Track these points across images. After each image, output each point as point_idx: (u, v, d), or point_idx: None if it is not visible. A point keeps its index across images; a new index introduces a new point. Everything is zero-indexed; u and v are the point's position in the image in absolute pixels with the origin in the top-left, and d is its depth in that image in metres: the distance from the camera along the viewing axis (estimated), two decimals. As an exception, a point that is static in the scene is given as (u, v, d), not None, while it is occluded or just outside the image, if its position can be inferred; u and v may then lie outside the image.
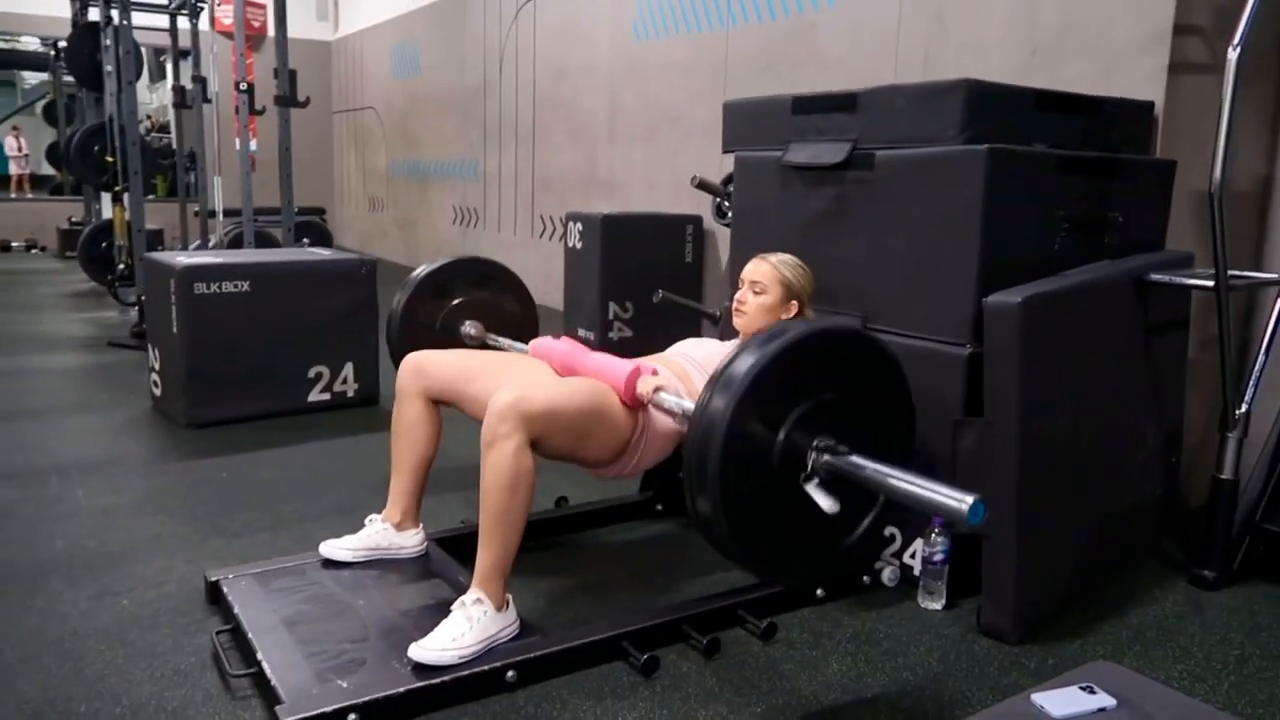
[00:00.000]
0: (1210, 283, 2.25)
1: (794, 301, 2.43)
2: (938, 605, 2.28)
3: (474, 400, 2.24)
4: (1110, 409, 2.36)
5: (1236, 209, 2.68)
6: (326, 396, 3.90)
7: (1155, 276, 2.32)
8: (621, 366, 2.14)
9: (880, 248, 2.44)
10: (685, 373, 2.31)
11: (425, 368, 2.29)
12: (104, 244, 6.42)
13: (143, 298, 5.20)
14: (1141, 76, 2.64)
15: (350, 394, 3.96)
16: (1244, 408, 2.39)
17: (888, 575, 2.36)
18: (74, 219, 9.37)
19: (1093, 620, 2.24)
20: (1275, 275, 2.32)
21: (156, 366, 3.82)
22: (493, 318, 2.92)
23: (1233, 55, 2.03)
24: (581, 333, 5.38)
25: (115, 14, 5.28)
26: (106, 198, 6.84)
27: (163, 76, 11.14)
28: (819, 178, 2.58)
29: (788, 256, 2.47)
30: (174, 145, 8.07)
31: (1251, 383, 2.40)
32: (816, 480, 1.69)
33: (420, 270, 2.86)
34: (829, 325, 1.73)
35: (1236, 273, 2.28)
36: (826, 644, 2.09)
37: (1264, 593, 2.41)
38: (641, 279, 5.20)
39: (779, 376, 1.66)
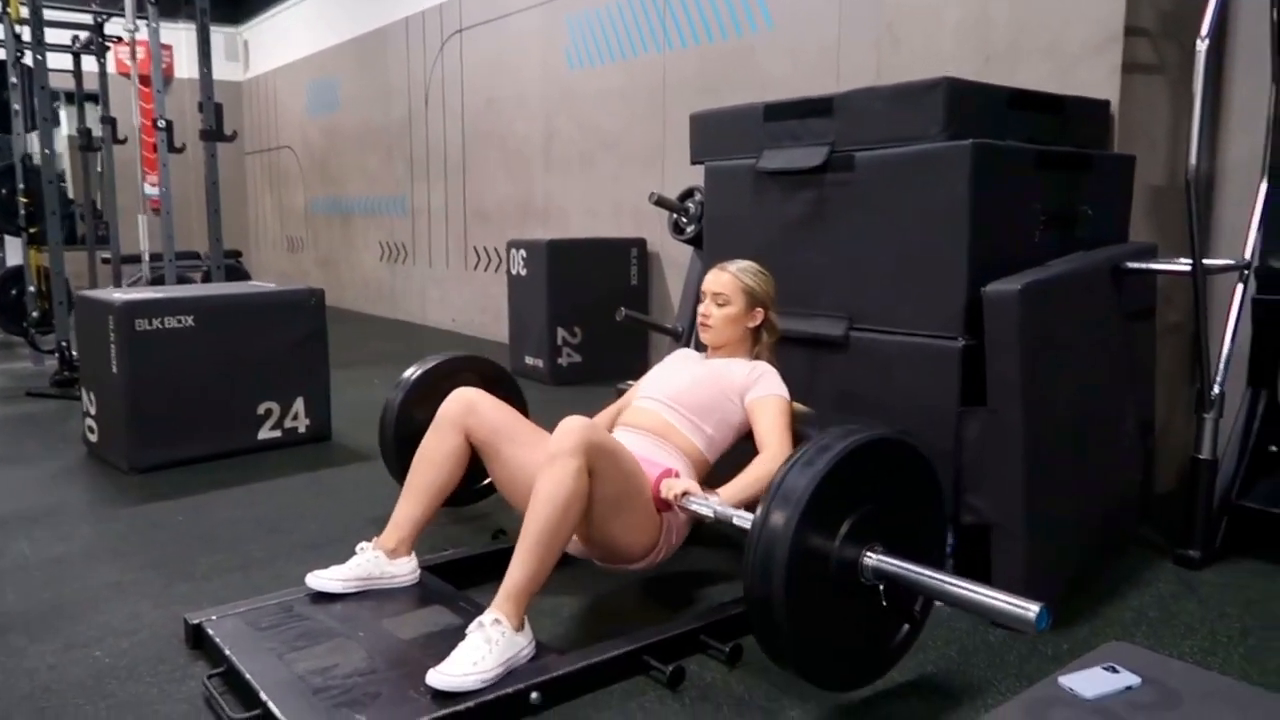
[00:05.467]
0: (1186, 268, 2.32)
1: (758, 309, 2.42)
2: (944, 600, 2.27)
3: (508, 459, 2.24)
4: (1098, 396, 2.40)
5: (1181, 202, 2.78)
6: (277, 434, 3.73)
7: (1132, 264, 2.39)
8: (649, 469, 2.13)
9: (863, 247, 2.45)
10: (669, 427, 2.29)
11: (478, 407, 2.27)
12: (13, 291, 6.07)
13: (64, 343, 4.93)
14: (1096, 78, 2.73)
15: (302, 430, 3.80)
16: (1216, 389, 2.47)
17: None
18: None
19: (1095, 605, 2.26)
20: (1245, 260, 2.40)
21: (92, 411, 3.60)
22: None
23: (1201, 47, 2.12)
24: (529, 360, 5.30)
25: (29, 51, 5.05)
26: (14, 243, 6.49)
27: (55, 122, 10.63)
28: (796, 182, 2.59)
29: (746, 263, 2.45)
30: (69, 192, 7.67)
31: (1221, 365, 2.48)
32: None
33: (413, 369, 2.82)
34: (872, 435, 1.78)
35: (1210, 261, 2.36)
36: (845, 645, 2.06)
37: (1248, 569, 2.48)
38: (588, 303, 5.18)
39: (832, 489, 1.68)
